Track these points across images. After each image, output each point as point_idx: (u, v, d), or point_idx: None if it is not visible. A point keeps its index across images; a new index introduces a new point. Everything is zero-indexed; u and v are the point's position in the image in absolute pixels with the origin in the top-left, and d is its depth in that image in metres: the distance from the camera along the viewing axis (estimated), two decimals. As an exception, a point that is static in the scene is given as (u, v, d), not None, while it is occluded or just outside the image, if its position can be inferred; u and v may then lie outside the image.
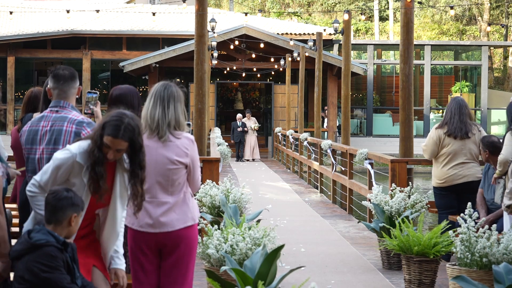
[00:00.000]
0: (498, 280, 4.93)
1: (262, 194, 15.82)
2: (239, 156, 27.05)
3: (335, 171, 14.66)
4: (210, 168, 9.17)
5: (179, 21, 34.00)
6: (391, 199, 8.03)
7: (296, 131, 24.46)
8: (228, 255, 5.23)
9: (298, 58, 26.33)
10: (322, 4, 51.45)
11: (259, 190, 16.53)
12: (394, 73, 34.52)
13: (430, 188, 8.54)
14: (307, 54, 26.32)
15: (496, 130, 32.52)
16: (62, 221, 4.00)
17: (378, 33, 46.78)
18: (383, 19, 49.48)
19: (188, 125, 4.71)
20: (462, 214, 5.96)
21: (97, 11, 29.35)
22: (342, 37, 16.93)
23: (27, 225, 4.24)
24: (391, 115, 32.93)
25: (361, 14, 38.75)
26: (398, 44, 10.29)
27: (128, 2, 40.98)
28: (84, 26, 32.59)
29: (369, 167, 11.03)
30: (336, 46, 33.18)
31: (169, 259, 4.58)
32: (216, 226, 6.12)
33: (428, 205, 8.19)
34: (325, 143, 15.60)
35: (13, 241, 4.35)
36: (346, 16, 16.93)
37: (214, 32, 25.86)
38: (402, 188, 8.41)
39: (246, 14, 26.25)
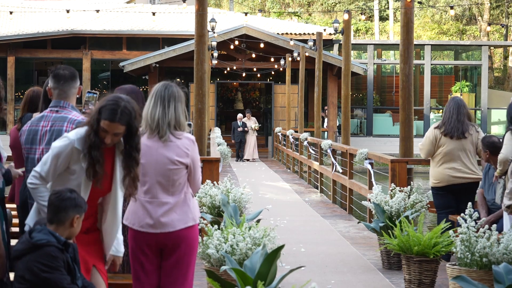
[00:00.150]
0: (498, 280, 4.93)
1: (262, 194, 15.81)
2: (239, 156, 27.06)
3: (336, 171, 14.65)
4: (210, 168, 9.17)
5: (179, 21, 34.00)
6: (391, 199, 8.03)
7: (296, 131, 24.46)
8: (228, 255, 5.23)
9: (298, 58, 26.32)
10: (322, 4, 51.44)
11: (259, 190, 16.52)
12: (394, 73, 34.51)
13: (430, 188, 8.53)
14: (307, 54, 26.31)
15: (496, 130, 32.50)
16: (65, 222, 4.00)
17: (378, 33, 46.78)
18: (383, 19, 49.46)
19: (189, 125, 4.71)
20: (462, 214, 5.95)
21: (97, 11, 29.37)
22: (342, 37, 16.94)
23: (30, 219, 4.24)
24: (391, 115, 32.92)
25: (361, 14, 38.73)
26: (398, 44, 10.29)
27: (128, 2, 40.96)
28: (84, 26, 32.59)
29: (369, 167, 11.03)
30: (336, 46, 33.18)
31: (170, 259, 4.59)
32: (216, 226, 6.12)
33: (428, 205, 8.18)
34: (325, 143, 15.60)
35: (13, 241, 4.35)
36: (346, 16, 16.94)
37: (214, 32, 25.85)
38: (402, 188, 8.41)
39: (246, 14, 26.27)
